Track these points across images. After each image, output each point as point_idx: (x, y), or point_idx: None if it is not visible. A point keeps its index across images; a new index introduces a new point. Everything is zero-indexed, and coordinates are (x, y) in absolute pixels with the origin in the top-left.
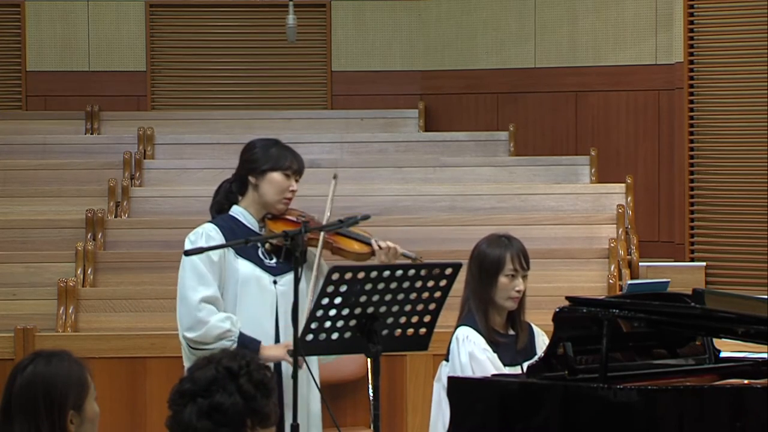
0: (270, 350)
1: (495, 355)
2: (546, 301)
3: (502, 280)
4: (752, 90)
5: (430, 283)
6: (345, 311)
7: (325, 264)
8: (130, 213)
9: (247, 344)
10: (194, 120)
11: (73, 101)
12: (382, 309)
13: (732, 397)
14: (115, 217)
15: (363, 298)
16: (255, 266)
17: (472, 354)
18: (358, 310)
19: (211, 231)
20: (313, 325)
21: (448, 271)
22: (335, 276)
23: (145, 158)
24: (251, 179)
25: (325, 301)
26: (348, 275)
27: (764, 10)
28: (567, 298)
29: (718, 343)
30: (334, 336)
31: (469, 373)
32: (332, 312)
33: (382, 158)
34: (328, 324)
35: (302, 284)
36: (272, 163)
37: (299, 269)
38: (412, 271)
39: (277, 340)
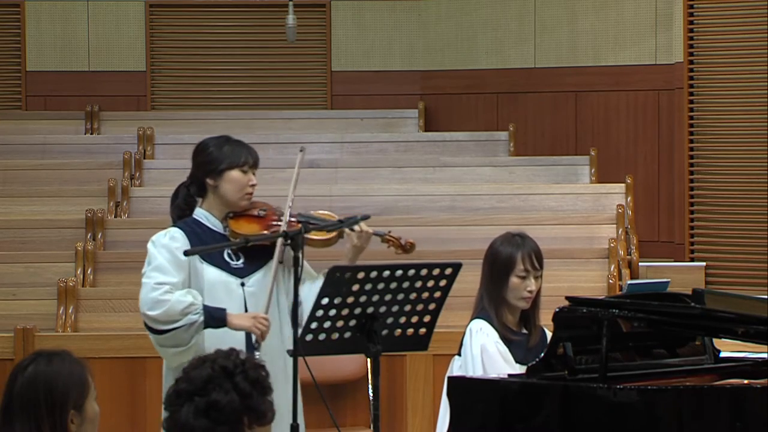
0: (238, 319)
1: (507, 349)
2: (546, 301)
3: (514, 280)
4: (752, 90)
5: (430, 283)
6: (345, 311)
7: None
8: (129, 213)
9: (213, 314)
10: (194, 120)
11: (73, 101)
12: (382, 309)
13: (732, 397)
14: (115, 217)
15: (363, 298)
16: (221, 271)
17: (483, 347)
18: (358, 310)
19: (176, 233)
20: (313, 325)
21: (448, 271)
22: (335, 276)
23: (145, 158)
24: (209, 181)
25: (325, 301)
26: (348, 275)
27: (764, 10)
28: (567, 298)
29: (718, 343)
30: (334, 336)
31: (479, 366)
32: (332, 312)
33: (382, 158)
34: (327, 324)
35: (276, 276)
36: (228, 162)
37: (299, 269)
38: (412, 271)
39: (248, 342)
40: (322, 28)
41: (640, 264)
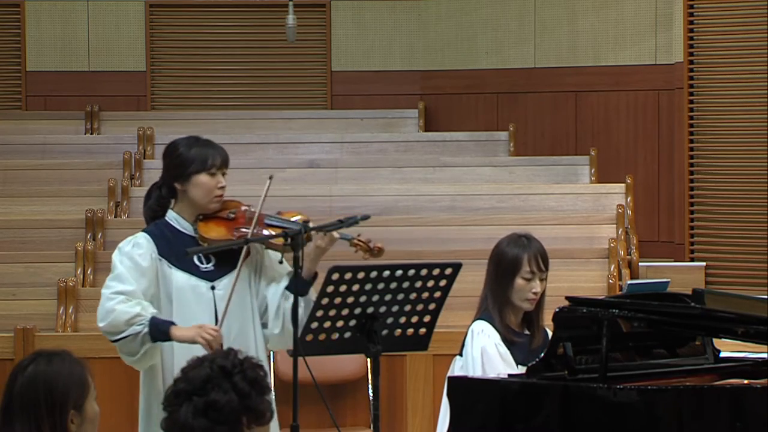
0: (181, 331)
1: (508, 351)
2: (546, 301)
3: (519, 281)
4: (752, 90)
5: (430, 283)
6: (345, 311)
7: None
8: (129, 213)
9: (159, 327)
10: (194, 120)
11: (73, 101)
12: (382, 309)
13: (732, 397)
14: (115, 217)
15: (363, 298)
16: (190, 275)
17: (483, 349)
18: (358, 310)
19: (140, 239)
20: (313, 325)
21: (448, 271)
22: (335, 276)
23: (144, 158)
24: (178, 186)
25: (325, 301)
26: (348, 275)
27: (764, 10)
28: (567, 298)
29: (718, 343)
30: (334, 336)
31: (478, 367)
32: (332, 312)
33: (382, 158)
34: (327, 324)
35: (243, 279)
36: (195, 166)
37: (299, 269)
38: (412, 271)
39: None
40: (322, 28)
41: (640, 264)
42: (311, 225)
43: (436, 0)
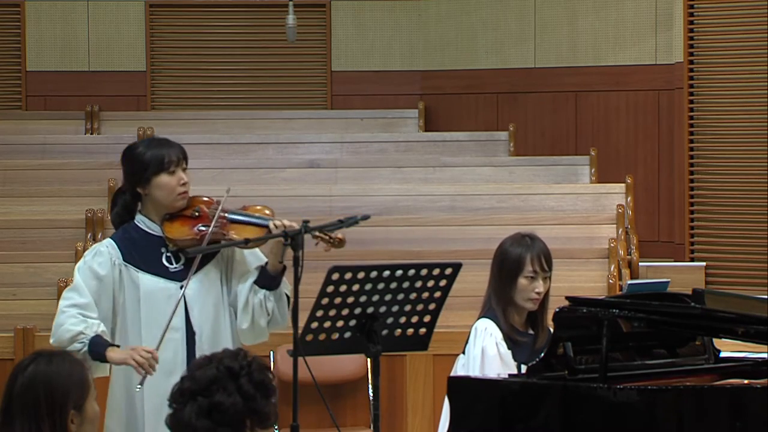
0: (116, 353)
1: (509, 352)
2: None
3: (522, 281)
4: (752, 90)
5: (430, 283)
6: (345, 311)
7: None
8: None
9: (96, 348)
10: (194, 120)
11: (73, 101)
12: (382, 309)
13: (732, 397)
14: None
15: (363, 298)
16: (158, 278)
17: (484, 349)
18: (358, 310)
19: (103, 247)
20: (313, 325)
21: (449, 271)
22: (335, 276)
23: None
24: (140, 190)
25: (325, 301)
26: (348, 275)
27: (764, 10)
28: (567, 298)
29: (718, 343)
30: (334, 336)
31: (477, 366)
32: (332, 312)
33: (382, 158)
34: (327, 324)
35: (214, 278)
36: (153, 168)
37: (299, 269)
38: (412, 271)
39: (190, 346)
40: (322, 28)
41: (640, 264)
42: (295, 224)
43: (436, 0)
